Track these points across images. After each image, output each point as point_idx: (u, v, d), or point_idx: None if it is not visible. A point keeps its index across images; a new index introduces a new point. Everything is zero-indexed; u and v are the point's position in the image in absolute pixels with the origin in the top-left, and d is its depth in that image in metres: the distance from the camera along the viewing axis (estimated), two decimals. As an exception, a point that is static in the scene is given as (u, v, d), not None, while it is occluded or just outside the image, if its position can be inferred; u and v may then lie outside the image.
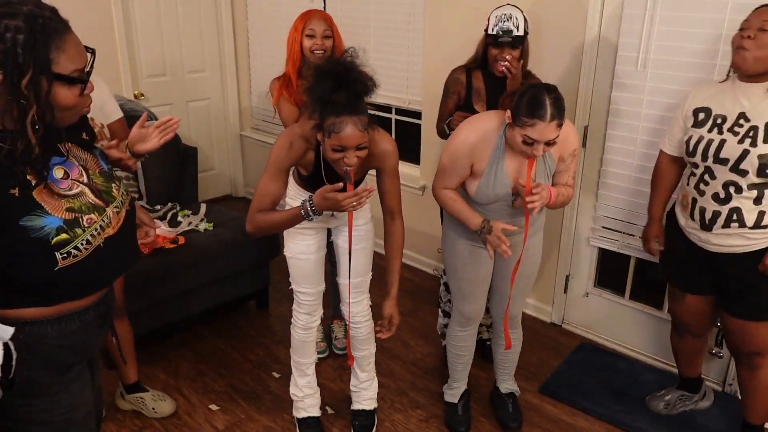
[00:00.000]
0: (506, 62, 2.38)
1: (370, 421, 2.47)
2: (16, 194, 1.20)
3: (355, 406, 2.49)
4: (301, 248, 2.22)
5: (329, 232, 2.31)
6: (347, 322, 2.35)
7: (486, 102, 2.54)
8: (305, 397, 2.44)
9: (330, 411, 2.58)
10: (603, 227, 2.90)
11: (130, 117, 2.43)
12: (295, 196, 2.16)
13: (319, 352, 2.80)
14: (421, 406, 2.64)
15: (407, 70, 3.54)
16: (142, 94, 4.13)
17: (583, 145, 2.83)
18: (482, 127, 2.02)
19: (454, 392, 2.53)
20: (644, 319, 2.90)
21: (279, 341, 3.02)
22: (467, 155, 2.02)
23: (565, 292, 3.14)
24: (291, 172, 2.24)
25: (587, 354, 2.98)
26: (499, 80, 2.47)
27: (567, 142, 2.02)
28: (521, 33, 2.39)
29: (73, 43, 1.22)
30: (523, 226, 2.12)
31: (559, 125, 1.83)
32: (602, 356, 2.96)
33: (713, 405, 2.60)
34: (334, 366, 2.87)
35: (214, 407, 2.60)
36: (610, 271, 3.02)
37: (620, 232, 2.84)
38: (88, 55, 1.27)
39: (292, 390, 2.46)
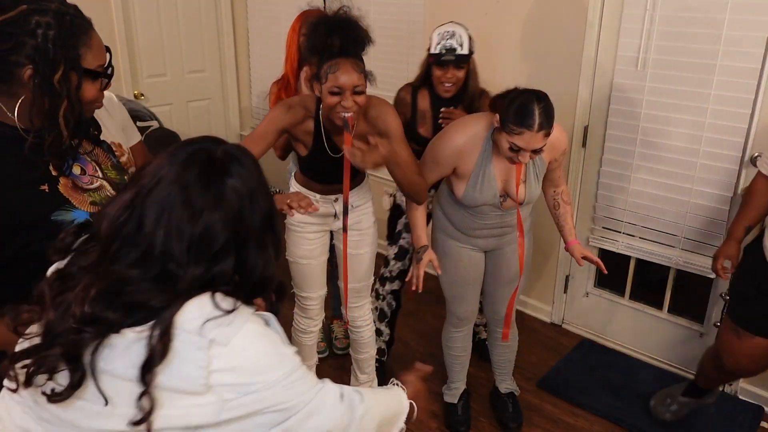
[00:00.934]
0: (446, 118, 2.30)
1: None
2: (47, 190, 1.24)
3: None
4: (303, 252, 2.19)
5: (332, 235, 2.28)
6: (347, 325, 2.35)
7: (432, 126, 2.42)
8: None
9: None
10: (603, 227, 2.90)
11: (131, 117, 2.42)
12: None
13: (319, 353, 2.79)
14: (421, 406, 2.63)
15: (407, 70, 3.54)
16: (142, 94, 4.12)
17: (583, 145, 2.83)
18: (469, 130, 2.01)
19: (453, 392, 2.53)
20: (644, 319, 2.90)
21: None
22: (451, 156, 2.01)
23: (565, 292, 3.14)
24: (293, 174, 2.22)
25: (586, 351, 2.98)
26: (447, 101, 2.37)
27: (557, 145, 2.02)
28: (465, 51, 2.28)
29: (97, 40, 1.26)
30: (512, 226, 2.13)
31: (547, 134, 1.81)
32: (601, 354, 2.96)
33: (713, 404, 2.60)
34: (334, 366, 2.87)
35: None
36: (610, 271, 3.01)
37: (620, 232, 2.84)
38: (107, 55, 1.30)
39: None
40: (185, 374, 0.83)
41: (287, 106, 1.96)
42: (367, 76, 1.83)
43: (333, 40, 1.75)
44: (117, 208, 0.87)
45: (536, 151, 1.84)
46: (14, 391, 0.87)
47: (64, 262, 0.92)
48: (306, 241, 2.18)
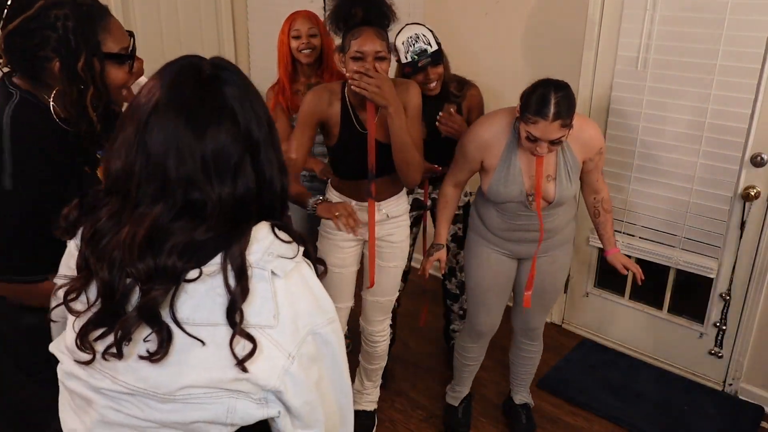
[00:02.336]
0: (444, 125, 2.30)
1: (371, 421, 2.47)
2: (88, 171, 1.31)
3: (356, 407, 2.48)
4: (335, 261, 2.15)
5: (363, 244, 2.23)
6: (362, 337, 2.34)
7: (427, 125, 2.39)
8: None
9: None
10: (603, 227, 2.90)
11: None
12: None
13: None
14: (421, 406, 2.64)
15: (407, 70, 3.54)
16: (142, 94, 4.13)
17: (583, 145, 2.83)
18: (495, 123, 2.00)
19: (456, 395, 2.51)
20: (644, 319, 2.90)
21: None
22: (477, 150, 2.00)
23: (565, 292, 3.14)
24: (329, 182, 2.19)
25: (586, 351, 2.98)
26: (432, 99, 2.36)
27: (591, 143, 1.98)
28: (435, 47, 2.28)
29: (116, 25, 1.30)
30: (549, 231, 2.07)
31: (564, 125, 1.77)
32: (601, 354, 2.96)
33: (713, 405, 2.60)
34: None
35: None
36: (610, 271, 3.00)
37: (620, 232, 2.83)
38: (130, 38, 1.35)
39: None
40: (257, 307, 0.83)
41: (312, 94, 1.99)
42: (389, 47, 1.88)
43: (356, 10, 1.81)
44: (123, 146, 0.85)
45: (554, 143, 1.81)
46: (89, 363, 0.85)
47: (86, 228, 0.89)
48: (339, 250, 2.14)
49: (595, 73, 2.72)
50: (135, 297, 0.82)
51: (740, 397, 2.65)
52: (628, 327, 2.96)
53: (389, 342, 2.39)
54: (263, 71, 4.46)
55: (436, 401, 2.64)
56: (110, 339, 0.83)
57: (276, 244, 0.86)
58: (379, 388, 2.49)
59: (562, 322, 3.20)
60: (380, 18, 1.86)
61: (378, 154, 1.97)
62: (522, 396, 2.50)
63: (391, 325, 2.80)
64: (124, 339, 0.82)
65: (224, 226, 0.84)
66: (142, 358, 0.82)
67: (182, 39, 4.32)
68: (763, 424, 2.53)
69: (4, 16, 1.18)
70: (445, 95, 2.38)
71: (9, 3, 1.18)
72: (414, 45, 2.29)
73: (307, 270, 0.90)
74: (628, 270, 2.15)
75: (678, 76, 2.48)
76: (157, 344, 0.81)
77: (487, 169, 2.02)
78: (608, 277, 3.04)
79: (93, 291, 0.85)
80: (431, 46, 2.27)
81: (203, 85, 0.87)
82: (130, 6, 3.98)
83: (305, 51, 2.46)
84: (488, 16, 3.00)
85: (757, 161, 2.38)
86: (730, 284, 2.57)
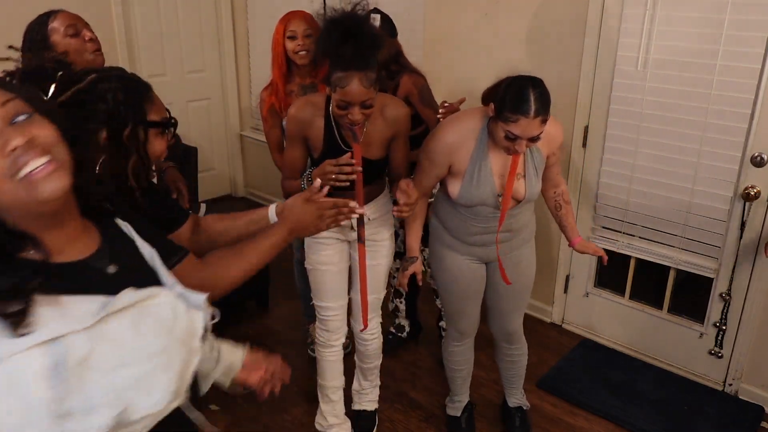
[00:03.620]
0: (446, 110, 2.26)
1: (371, 421, 2.47)
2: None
3: (356, 407, 2.48)
4: (322, 258, 2.14)
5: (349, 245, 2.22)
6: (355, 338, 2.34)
7: None
8: (330, 427, 2.39)
9: (330, 411, 2.58)
10: (603, 227, 2.90)
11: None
12: None
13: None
14: (421, 406, 2.64)
15: (407, 70, 3.53)
16: (142, 94, 4.13)
17: (583, 145, 2.83)
18: (462, 125, 1.95)
19: (456, 406, 2.48)
20: (644, 319, 2.90)
21: (279, 341, 3.02)
22: (444, 154, 1.94)
23: (565, 292, 3.14)
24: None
25: (586, 351, 2.98)
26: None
27: (554, 136, 1.96)
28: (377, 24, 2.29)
29: (157, 98, 1.39)
30: (514, 230, 2.06)
31: (544, 121, 1.76)
32: (601, 354, 2.96)
33: (713, 405, 2.60)
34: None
35: (213, 407, 2.60)
36: (610, 271, 3.02)
37: (620, 232, 2.84)
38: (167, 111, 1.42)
39: (317, 420, 2.41)
40: None
41: (294, 109, 1.96)
42: (377, 83, 1.81)
43: (345, 49, 1.71)
44: None
45: (533, 140, 1.78)
46: None
47: None
48: (323, 247, 2.14)
49: (595, 73, 2.72)
50: None
51: (740, 397, 2.65)
52: (628, 327, 2.96)
53: (382, 339, 2.38)
54: (263, 71, 4.46)
55: (436, 401, 2.64)
56: None
57: None
58: (378, 387, 2.49)
59: (562, 322, 3.20)
60: (370, 56, 1.76)
61: (364, 169, 1.91)
62: (516, 399, 2.48)
63: (409, 303, 2.86)
64: None
65: None
66: None
67: (182, 38, 4.32)
68: (763, 424, 2.53)
69: (53, 88, 1.20)
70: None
71: (59, 76, 1.19)
72: None
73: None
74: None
75: (678, 76, 2.48)
76: None
77: (456, 173, 1.96)
78: (608, 277, 3.04)
79: None
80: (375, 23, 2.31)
81: None
82: (130, 6, 3.98)
83: (301, 53, 2.45)
84: (488, 16, 3.00)
85: (757, 161, 2.38)
86: (730, 284, 2.57)
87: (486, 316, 2.30)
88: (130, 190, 1.31)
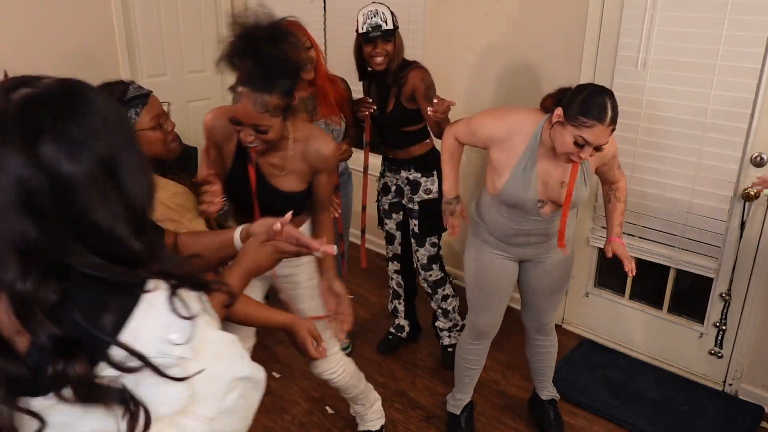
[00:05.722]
0: (437, 112, 2.26)
1: None
2: None
3: (362, 428, 2.38)
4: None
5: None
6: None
7: (376, 100, 2.62)
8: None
9: (330, 411, 2.58)
10: (603, 227, 2.90)
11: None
12: None
13: (344, 348, 2.74)
14: (421, 406, 2.64)
15: (407, 70, 3.53)
16: (142, 94, 4.12)
17: (583, 145, 2.83)
18: (516, 122, 1.96)
19: (457, 403, 2.47)
20: (644, 319, 2.90)
21: (279, 341, 3.02)
22: (487, 139, 1.98)
23: (566, 292, 3.14)
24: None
25: (586, 351, 2.98)
26: (379, 80, 2.56)
27: (607, 150, 1.93)
28: (390, 26, 2.44)
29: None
30: (551, 234, 2.06)
31: (613, 130, 1.78)
32: (601, 354, 2.96)
33: (713, 405, 2.60)
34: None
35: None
36: (610, 271, 3.02)
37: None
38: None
39: None
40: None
41: (210, 118, 1.85)
42: (281, 111, 1.66)
43: (243, 64, 1.56)
44: None
45: (598, 149, 1.80)
46: None
47: None
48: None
49: (595, 74, 2.72)
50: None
51: (740, 397, 2.65)
52: (628, 327, 2.96)
53: (349, 371, 2.16)
54: (263, 71, 4.46)
55: (436, 401, 2.64)
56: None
57: (168, 321, 0.74)
58: (375, 403, 2.36)
59: (562, 322, 3.20)
60: (268, 82, 1.59)
61: (278, 202, 1.81)
62: (548, 392, 2.49)
63: (407, 305, 2.87)
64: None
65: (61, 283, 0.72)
66: None
67: (183, 38, 4.32)
68: (763, 424, 2.53)
69: None
70: (390, 78, 2.52)
71: None
72: (371, 18, 2.44)
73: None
74: (628, 272, 2.11)
75: (678, 76, 2.48)
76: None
77: (499, 168, 1.98)
78: (608, 277, 3.04)
79: None
80: (386, 24, 2.43)
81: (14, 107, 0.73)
82: (130, 5, 3.97)
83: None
84: (488, 16, 3.00)
85: (757, 161, 2.38)
86: (730, 284, 2.57)
87: (520, 310, 2.34)
88: None
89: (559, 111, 1.82)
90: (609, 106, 1.74)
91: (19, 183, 0.68)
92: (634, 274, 2.09)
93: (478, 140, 2.04)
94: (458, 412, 2.47)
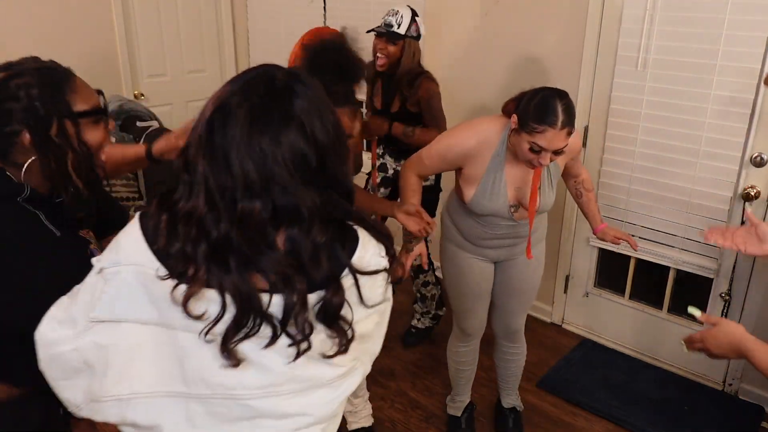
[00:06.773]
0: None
1: None
2: (85, 235, 1.29)
3: (353, 426, 2.39)
4: None
5: None
6: None
7: (381, 99, 2.64)
8: None
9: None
10: (603, 227, 2.90)
11: (131, 117, 2.43)
12: None
13: None
14: (421, 406, 2.64)
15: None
16: (142, 94, 4.12)
17: (583, 145, 2.83)
18: (483, 132, 1.93)
19: (457, 405, 2.47)
20: (644, 319, 2.90)
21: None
22: (460, 157, 1.93)
23: (565, 292, 3.14)
24: None
25: (586, 351, 2.98)
26: (388, 83, 2.57)
27: (573, 147, 1.94)
28: (401, 31, 2.41)
29: (82, 84, 1.24)
30: (523, 236, 2.05)
31: (569, 133, 1.74)
32: (601, 354, 2.96)
33: (713, 405, 2.60)
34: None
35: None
36: (610, 271, 3.02)
37: (620, 232, 2.84)
38: (99, 96, 1.27)
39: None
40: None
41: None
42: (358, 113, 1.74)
43: (339, 88, 1.62)
44: (196, 151, 0.86)
45: (557, 152, 1.76)
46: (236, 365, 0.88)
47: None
48: None
49: (595, 73, 2.72)
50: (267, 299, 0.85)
51: (740, 397, 2.65)
52: (628, 327, 2.96)
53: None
54: (263, 71, 4.46)
55: (436, 401, 2.64)
56: (258, 340, 0.86)
57: (375, 245, 0.94)
58: (367, 400, 2.40)
59: (562, 322, 3.20)
60: (355, 93, 1.70)
61: None
62: (510, 399, 2.47)
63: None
64: (305, 339, 0.87)
65: (327, 230, 0.87)
66: (327, 357, 0.91)
67: (182, 39, 4.32)
68: (763, 424, 2.53)
69: None
70: (399, 86, 2.53)
71: None
72: (389, 16, 2.43)
73: None
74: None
75: (678, 76, 2.48)
76: (337, 345, 0.90)
77: (469, 179, 1.95)
78: (608, 277, 3.04)
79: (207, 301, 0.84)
80: (397, 27, 2.40)
81: (273, 93, 0.87)
82: (130, 5, 3.98)
83: None
84: (488, 16, 3.00)
85: (757, 161, 2.38)
86: (730, 284, 2.57)
87: (489, 314, 2.30)
88: (75, 187, 1.20)
89: (514, 118, 1.79)
90: (560, 109, 1.69)
91: (299, 157, 0.85)
92: (637, 248, 2.15)
93: (448, 163, 1.98)
94: (459, 414, 2.47)
